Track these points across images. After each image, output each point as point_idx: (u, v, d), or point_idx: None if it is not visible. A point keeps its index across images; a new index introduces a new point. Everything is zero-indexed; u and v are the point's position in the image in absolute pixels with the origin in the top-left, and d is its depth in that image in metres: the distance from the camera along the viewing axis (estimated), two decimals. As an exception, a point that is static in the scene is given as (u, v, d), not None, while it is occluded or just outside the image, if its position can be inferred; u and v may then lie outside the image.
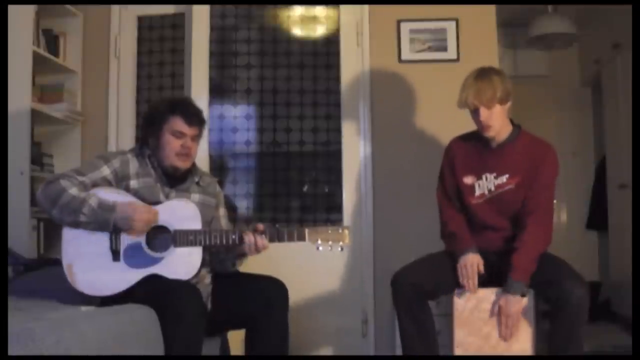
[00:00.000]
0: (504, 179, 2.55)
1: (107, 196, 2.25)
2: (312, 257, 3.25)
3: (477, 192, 2.59)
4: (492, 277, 2.49)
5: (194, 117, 2.43)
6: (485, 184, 2.58)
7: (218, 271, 2.50)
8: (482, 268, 2.49)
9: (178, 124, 2.40)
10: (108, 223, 2.20)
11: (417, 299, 2.48)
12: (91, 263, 2.23)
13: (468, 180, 2.61)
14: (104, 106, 3.67)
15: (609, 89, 4.73)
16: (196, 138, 2.46)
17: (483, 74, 2.50)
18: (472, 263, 2.48)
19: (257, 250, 2.34)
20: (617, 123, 4.49)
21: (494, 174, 2.56)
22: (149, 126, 2.45)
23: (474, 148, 2.63)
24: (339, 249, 2.39)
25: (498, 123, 2.51)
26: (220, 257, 2.48)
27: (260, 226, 2.35)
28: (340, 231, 2.38)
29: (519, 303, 2.41)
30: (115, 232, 2.23)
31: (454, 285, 2.52)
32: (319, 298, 3.51)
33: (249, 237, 2.32)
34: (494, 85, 2.45)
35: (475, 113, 2.50)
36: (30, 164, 3.16)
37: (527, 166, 2.52)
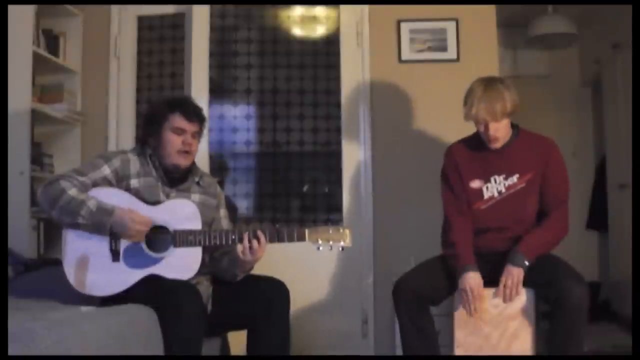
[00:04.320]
0: (514, 179, 2.55)
1: (106, 198, 2.25)
2: (312, 257, 3.24)
3: (486, 196, 2.58)
4: (493, 277, 2.49)
5: (194, 114, 2.44)
6: (494, 187, 2.57)
7: (221, 280, 2.49)
8: (482, 290, 2.48)
9: (178, 120, 2.40)
10: (105, 226, 2.20)
11: (418, 306, 2.49)
12: (91, 263, 2.22)
13: (475, 184, 2.60)
14: (104, 106, 3.67)
15: (609, 89, 4.73)
16: (196, 135, 2.46)
17: (491, 86, 2.47)
18: (472, 287, 2.45)
19: (252, 253, 2.32)
20: (617, 123, 4.49)
21: (503, 175, 2.56)
22: (149, 125, 2.46)
23: (477, 152, 2.62)
24: (340, 248, 2.38)
25: (504, 134, 2.53)
26: (223, 267, 2.46)
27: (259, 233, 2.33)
28: (340, 231, 2.37)
29: (519, 274, 2.42)
30: (112, 235, 2.23)
31: (455, 289, 2.52)
32: (319, 299, 3.51)
33: (244, 242, 2.31)
34: (504, 100, 2.45)
35: (484, 127, 2.50)
36: (30, 164, 3.16)
37: (535, 163, 2.54)
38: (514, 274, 2.42)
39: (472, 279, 2.46)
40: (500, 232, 2.57)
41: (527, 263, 2.43)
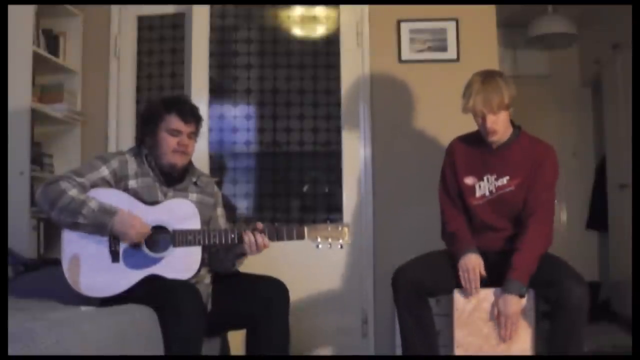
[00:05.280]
0: (504, 180, 2.55)
1: (106, 199, 2.25)
2: (312, 257, 3.25)
3: (478, 194, 2.59)
4: (493, 277, 2.49)
5: (190, 114, 2.43)
6: (486, 185, 2.58)
7: (218, 272, 2.50)
8: (483, 270, 2.48)
9: (174, 121, 2.40)
10: (105, 227, 2.20)
11: (416, 296, 2.49)
12: (91, 264, 2.22)
13: (469, 181, 2.61)
14: (104, 106, 3.67)
15: (609, 89, 4.73)
16: (193, 135, 2.46)
17: (489, 79, 2.48)
18: (473, 266, 2.46)
19: (258, 248, 2.33)
20: (617, 123, 4.49)
21: (495, 176, 2.56)
22: (145, 125, 2.46)
23: (475, 149, 2.62)
24: (339, 246, 2.38)
25: (503, 127, 2.52)
26: (220, 257, 2.47)
27: (260, 225, 2.35)
28: (339, 229, 2.37)
29: (518, 304, 2.39)
30: (111, 235, 2.23)
31: (454, 284, 2.52)
32: (319, 298, 3.51)
33: (248, 236, 2.32)
34: (502, 92, 2.45)
35: (481, 119, 2.50)
36: (30, 164, 3.15)
37: (528, 167, 2.53)
38: (512, 309, 2.38)
39: (472, 259, 2.47)
40: (497, 232, 2.57)
41: (524, 289, 2.40)
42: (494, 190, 2.56)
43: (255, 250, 2.33)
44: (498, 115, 2.47)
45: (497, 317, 2.42)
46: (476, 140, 2.63)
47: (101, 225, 2.20)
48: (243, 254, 2.43)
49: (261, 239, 2.32)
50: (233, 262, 2.46)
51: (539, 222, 2.48)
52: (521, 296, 2.40)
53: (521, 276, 2.40)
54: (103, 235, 2.23)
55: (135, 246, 2.25)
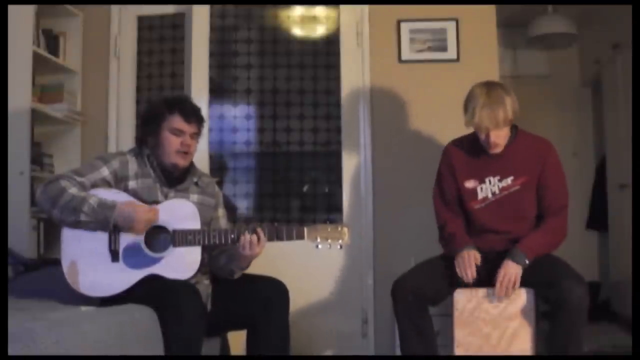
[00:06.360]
0: (509, 180, 2.54)
1: (106, 196, 2.25)
2: (312, 257, 3.25)
3: (480, 196, 2.58)
4: (493, 278, 2.49)
5: (193, 115, 2.43)
6: (488, 187, 2.57)
7: (218, 277, 2.49)
8: (479, 259, 2.49)
9: (176, 121, 2.39)
10: (108, 222, 2.20)
11: (417, 306, 2.48)
12: (90, 264, 2.22)
13: (470, 184, 2.60)
14: (104, 106, 3.67)
15: (609, 89, 4.73)
16: (195, 136, 2.45)
17: (492, 93, 2.45)
18: (468, 255, 2.48)
19: (252, 247, 2.32)
20: (617, 123, 4.49)
21: (498, 177, 2.56)
22: (148, 125, 2.45)
23: (474, 151, 2.62)
24: (339, 246, 2.38)
25: (505, 140, 2.53)
26: (221, 264, 2.47)
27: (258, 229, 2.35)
28: (339, 229, 2.37)
29: (518, 270, 2.41)
30: (115, 231, 2.23)
31: (454, 289, 2.52)
32: (319, 298, 3.51)
33: (245, 237, 2.31)
34: (506, 107, 2.44)
35: (485, 134, 2.49)
36: (30, 164, 3.15)
37: (531, 165, 2.53)
38: (512, 271, 2.41)
39: (468, 250, 2.49)
40: (498, 234, 2.57)
41: (527, 262, 2.43)
42: (497, 192, 2.56)
43: (248, 250, 2.32)
44: (502, 130, 2.47)
45: (498, 279, 2.42)
46: (473, 144, 2.62)
47: (104, 220, 2.20)
48: (245, 265, 2.42)
49: (255, 238, 2.31)
50: (232, 269, 2.45)
51: (561, 220, 2.53)
52: (522, 266, 2.42)
53: (527, 250, 2.44)
54: (106, 231, 2.23)
55: (136, 243, 2.24)
